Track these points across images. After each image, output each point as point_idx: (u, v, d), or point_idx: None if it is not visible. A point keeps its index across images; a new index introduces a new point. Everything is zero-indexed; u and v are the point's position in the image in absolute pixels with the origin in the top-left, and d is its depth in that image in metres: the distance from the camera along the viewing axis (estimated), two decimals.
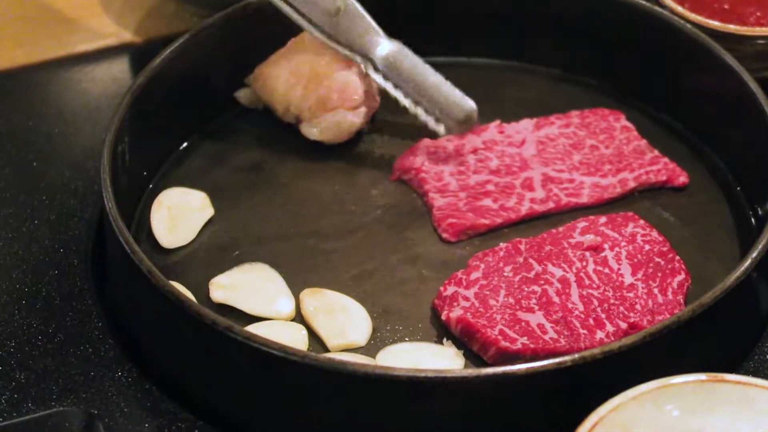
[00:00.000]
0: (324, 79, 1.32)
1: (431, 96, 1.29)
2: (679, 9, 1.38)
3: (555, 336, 1.11)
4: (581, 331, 1.12)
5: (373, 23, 1.30)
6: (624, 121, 1.35)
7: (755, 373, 1.11)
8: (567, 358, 1.01)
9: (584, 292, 1.16)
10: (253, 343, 1.02)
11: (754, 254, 1.10)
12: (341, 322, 1.15)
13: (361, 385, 1.01)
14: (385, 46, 1.30)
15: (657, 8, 1.37)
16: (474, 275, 1.17)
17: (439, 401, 1.02)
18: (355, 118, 1.33)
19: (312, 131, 1.33)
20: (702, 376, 0.98)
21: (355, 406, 1.04)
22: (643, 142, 1.33)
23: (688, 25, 1.34)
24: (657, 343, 1.03)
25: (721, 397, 0.98)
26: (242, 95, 1.38)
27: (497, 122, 1.34)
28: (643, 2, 1.37)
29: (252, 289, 1.18)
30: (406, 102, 1.30)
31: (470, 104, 1.30)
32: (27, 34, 1.52)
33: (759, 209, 1.26)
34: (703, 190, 1.30)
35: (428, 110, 1.30)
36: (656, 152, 1.32)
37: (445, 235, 1.24)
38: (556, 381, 1.02)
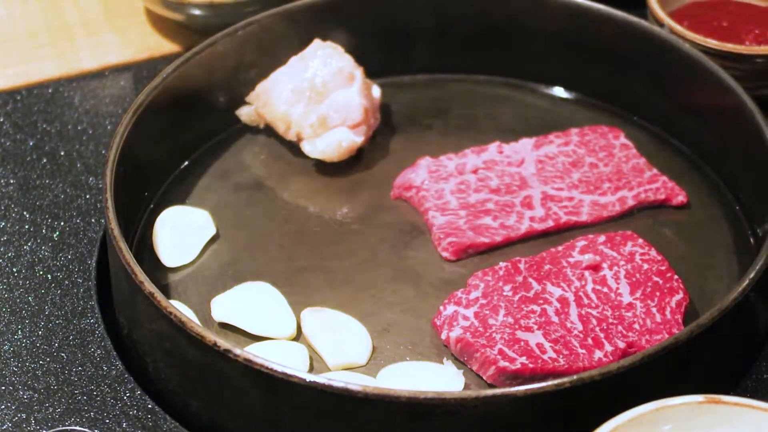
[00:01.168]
0: (325, 97, 1.33)
1: None
2: (678, 28, 1.38)
3: (554, 355, 1.12)
4: (580, 350, 1.13)
5: None
6: (623, 139, 1.36)
7: (753, 393, 1.12)
8: (566, 379, 1.02)
9: (583, 312, 1.16)
10: (253, 365, 1.03)
11: (752, 274, 1.11)
12: (342, 341, 1.16)
13: (362, 405, 1.02)
14: None
15: (656, 27, 1.37)
16: (473, 294, 1.18)
17: (438, 422, 1.02)
18: (356, 137, 1.33)
19: (313, 149, 1.33)
20: (699, 398, 0.99)
21: (356, 427, 1.04)
22: (642, 160, 1.34)
23: (687, 44, 1.34)
24: (655, 365, 1.04)
25: (719, 419, 0.98)
26: (244, 113, 1.38)
27: (497, 143, 1.34)
28: (642, 21, 1.38)
29: (253, 309, 1.18)
30: None
31: None
32: (29, 52, 1.52)
33: (758, 228, 1.26)
34: (702, 209, 1.31)
35: None
36: (655, 170, 1.33)
37: (445, 254, 1.25)
38: (554, 402, 1.02)
